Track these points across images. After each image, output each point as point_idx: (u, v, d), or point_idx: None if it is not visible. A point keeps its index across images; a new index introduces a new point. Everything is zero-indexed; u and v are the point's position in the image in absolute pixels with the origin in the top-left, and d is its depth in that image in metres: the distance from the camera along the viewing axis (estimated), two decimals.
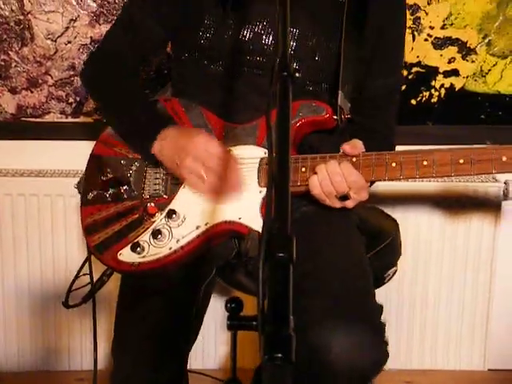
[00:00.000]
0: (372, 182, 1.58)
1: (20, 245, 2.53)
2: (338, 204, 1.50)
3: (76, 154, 2.34)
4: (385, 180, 1.50)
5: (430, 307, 2.57)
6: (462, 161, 1.44)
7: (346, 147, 1.49)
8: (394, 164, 1.47)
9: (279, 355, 0.74)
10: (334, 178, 1.46)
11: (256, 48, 1.59)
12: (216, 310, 2.38)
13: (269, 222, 0.80)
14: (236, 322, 0.99)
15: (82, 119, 2.58)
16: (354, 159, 1.49)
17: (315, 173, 1.49)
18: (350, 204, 1.51)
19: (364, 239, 1.67)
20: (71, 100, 2.56)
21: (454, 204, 2.51)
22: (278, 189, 0.83)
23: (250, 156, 1.55)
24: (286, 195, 0.83)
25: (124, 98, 1.67)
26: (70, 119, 2.59)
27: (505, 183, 2.54)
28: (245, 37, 1.59)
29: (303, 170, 1.50)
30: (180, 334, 1.60)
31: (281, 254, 0.78)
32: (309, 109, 1.55)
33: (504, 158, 1.42)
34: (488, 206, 2.53)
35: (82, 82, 1.80)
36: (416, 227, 2.50)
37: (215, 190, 1.51)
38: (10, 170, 2.56)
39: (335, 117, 1.56)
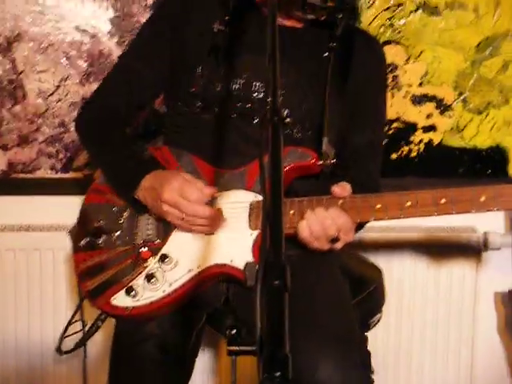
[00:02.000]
0: (361, 225, 1.64)
1: (7, 299, 2.54)
2: (326, 247, 1.56)
3: (66, 208, 2.39)
4: (370, 221, 1.57)
5: (415, 354, 2.60)
6: (443, 201, 1.51)
7: (336, 189, 1.56)
8: (378, 205, 1.53)
9: (278, 374, 0.79)
10: (323, 222, 1.52)
11: (246, 96, 1.67)
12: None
13: (265, 252, 0.86)
14: (236, 347, 1.03)
15: (71, 175, 2.63)
16: (341, 201, 1.55)
17: (303, 218, 1.55)
18: (338, 245, 1.57)
19: (348, 286, 1.72)
20: (61, 156, 2.62)
21: (436, 253, 2.58)
22: (272, 222, 0.89)
23: (240, 200, 1.61)
24: (280, 228, 0.88)
25: (112, 148, 1.74)
26: (59, 175, 2.64)
27: (484, 234, 2.62)
28: (235, 86, 1.67)
29: (291, 213, 1.56)
30: (173, 379, 1.62)
31: (276, 282, 0.83)
32: (295, 155, 1.62)
33: (482, 198, 1.49)
34: (468, 255, 2.60)
35: (76, 129, 1.86)
36: (399, 275, 2.56)
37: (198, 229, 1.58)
38: None
39: (320, 162, 1.63)
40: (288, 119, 1.02)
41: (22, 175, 2.63)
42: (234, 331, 1.12)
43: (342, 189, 1.56)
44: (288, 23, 1.70)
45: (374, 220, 1.56)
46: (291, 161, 1.62)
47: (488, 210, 1.50)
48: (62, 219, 2.58)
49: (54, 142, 2.61)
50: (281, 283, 0.84)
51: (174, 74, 1.75)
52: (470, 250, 2.60)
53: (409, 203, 1.52)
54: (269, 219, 0.90)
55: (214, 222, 1.58)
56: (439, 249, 2.59)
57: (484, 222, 2.62)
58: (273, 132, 0.99)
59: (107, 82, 1.84)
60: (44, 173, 2.64)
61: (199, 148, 1.68)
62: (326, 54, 1.70)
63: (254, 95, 1.68)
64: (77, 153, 2.61)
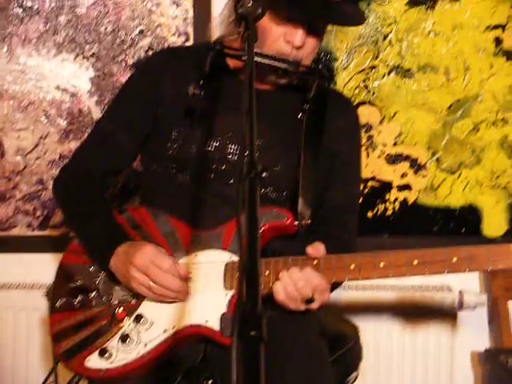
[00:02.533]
0: (336, 285, 1.65)
1: None
2: (302, 307, 1.57)
3: (41, 266, 2.38)
4: (345, 281, 1.58)
5: None
6: (416, 262, 1.53)
7: (310, 249, 1.58)
8: (352, 266, 1.55)
9: None
10: (298, 284, 1.54)
11: (221, 158, 1.70)
12: None
13: (241, 304, 0.87)
14: None
15: (48, 232, 2.63)
16: (315, 262, 1.57)
17: (278, 279, 1.56)
18: (314, 306, 1.58)
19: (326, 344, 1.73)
20: (38, 214, 2.62)
21: (412, 312, 2.59)
22: (248, 275, 0.91)
23: (216, 260, 1.62)
24: (257, 281, 0.90)
25: (87, 217, 1.74)
26: (36, 232, 2.63)
27: (459, 293, 2.63)
28: (211, 147, 1.70)
29: (267, 273, 1.57)
30: None
31: (253, 333, 0.84)
32: (271, 215, 1.64)
33: (454, 259, 1.52)
34: (444, 315, 2.61)
35: (53, 194, 1.87)
36: (376, 335, 2.56)
37: (163, 299, 1.58)
38: None
39: (296, 222, 1.65)
40: (264, 173, 1.03)
41: None
42: (211, 382, 1.12)
43: (315, 250, 1.58)
44: (262, 87, 1.74)
45: (349, 280, 1.58)
46: (267, 221, 1.63)
47: (460, 272, 1.52)
48: (37, 277, 2.56)
49: (31, 199, 2.61)
50: (257, 334, 0.84)
51: (150, 137, 1.78)
52: (446, 309, 2.61)
53: (382, 264, 1.54)
54: (245, 271, 0.91)
55: (182, 294, 1.59)
56: (415, 308, 2.60)
57: (459, 281, 2.64)
58: (249, 186, 1.01)
59: (85, 147, 1.86)
60: (20, 230, 2.63)
61: (176, 208, 1.70)
62: (300, 115, 1.74)
63: (229, 157, 1.70)
64: (54, 210, 2.62)
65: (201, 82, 1.67)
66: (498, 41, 2.56)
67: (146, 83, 1.77)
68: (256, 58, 1.59)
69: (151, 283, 1.56)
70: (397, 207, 2.65)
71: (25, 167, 2.59)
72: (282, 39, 1.63)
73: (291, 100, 1.76)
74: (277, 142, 1.74)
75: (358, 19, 1.78)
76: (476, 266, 1.52)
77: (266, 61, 1.61)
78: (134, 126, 1.78)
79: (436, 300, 2.60)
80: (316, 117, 1.77)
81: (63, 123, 2.58)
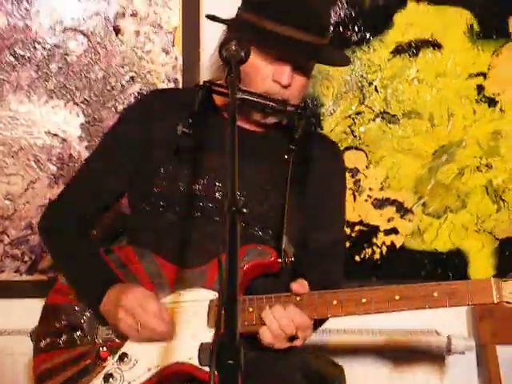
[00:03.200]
0: (320, 322, 1.66)
1: None
2: (286, 345, 1.58)
3: (29, 312, 2.37)
4: (327, 317, 1.60)
5: None
6: (397, 297, 1.55)
7: (294, 285, 1.60)
8: (335, 302, 1.57)
9: None
10: (281, 322, 1.55)
11: (208, 196, 1.72)
12: None
13: (220, 335, 0.89)
14: None
15: (36, 277, 2.62)
16: (298, 298, 1.58)
17: (263, 323, 1.57)
18: (298, 343, 1.59)
19: None
20: (26, 258, 2.62)
21: (400, 357, 2.58)
22: (227, 307, 0.92)
23: (200, 298, 1.63)
24: (235, 313, 0.91)
25: (74, 257, 1.77)
26: (24, 277, 2.63)
27: (448, 337, 2.63)
28: (198, 185, 1.73)
29: (250, 310, 1.59)
30: None
31: (230, 362, 0.85)
32: (255, 252, 1.67)
33: (435, 294, 1.54)
34: (432, 359, 2.61)
35: (39, 232, 1.89)
36: (363, 380, 2.55)
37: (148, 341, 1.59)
38: None
39: (280, 260, 1.67)
40: (245, 210, 1.06)
41: None
42: None
43: (299, 286, 1.60)
44: (249, 127, 1.78)
45: (331, 316, 1.60)
46: (251, 258, 1.65)
47: (441, 307, 1.54)
48: (24, 323, 2.55)
49: (19, 244, 2.62)
50: (234, 363, 0.86)
51: (138, 176, 1.80)
52: (434, 353, 2.62)
53: (364, 300, 1.56)
54: (223, 302, 0.93)
55: (167, 336, 1.60)
56: (402, 353, 2.60)
57: (447, 326, 2.65)
58: (230, 221, 1.03)
59: (71, 186, 1.90)
60: (8, 275, 2.62)
61: (162, 247, 1.72)
62: (286, 156, 1.77)
63: (216, 195, 1.73)
64: (42, 255, 2.62)
65: (190, 121, 1.70)
66: (480, 88, 2.63)
67: (134, 125, 1.80)
68: (244, 96, 1.63)
69: (138, 326, 1.57)
70: (384, 251, 2.66)
71: (14, 212, 2.60)
72: (270, 78, 1.68)
73: (278, 141, 1.80)
74: (263, 182, 1.76)
75: (344, 60, 1.85)
76: (456, 301, 1.54)
77: (254, 98, 1.65)
78: (120, 168, 1.80)
79: (424, 344, 2.60)
80: (302, 158, 1.81)
81: (53, 168, 2.60)
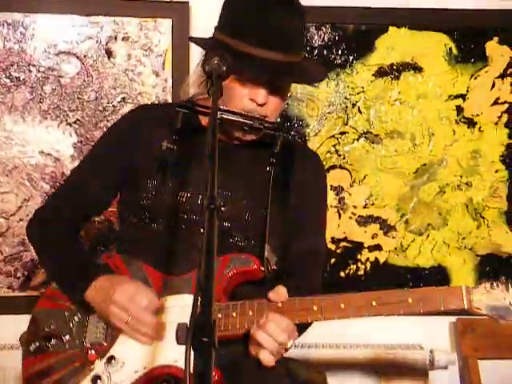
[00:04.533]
0: (303, 327, 1.72)
1: None
2: (283, 354, 1.65)
3: (20, 327, 2.42)
4: (308, 322, 1.66)
5: None
6: (374, 303, 1.62)
7: (271, 295, 1.66)
8: (315, 307, 1.63)
9: None
10: (275, 336, 1.61)
11: (192, 208, 1.79)
12: None
13: (195, 314, 0.96)
14: None
15: (28, 293, 2.68)
16: (280, 304, 1.64)
17: (254, 340, 1.62)
18: (290, 348, 1.65)
19: None
20: (19, 274, 2.68)
21: (384, 371, 2.63)
22: (203, 290, 0.99)
23: (185, 304, 1.69)
24: (211, 293, 0.99)
25: (63, 250, 1.84)
26: (16, 293, 2.68)
27: (430, 352, 2.69)
28: (182, 198, 1.80)
29: (233, 315, 1.65)
30: None
31: (205, 339, 0.92)
32: (238, 261, 1.73)
33: (410, 300, 1.61)
34: (416, 374, 2.66)
35: (27, 235, 1.96)
36: None
37: (138, 336, 1.66)
38: None
39: (262, 268, 1.73)
40: (223, 208, 1.13)
41: None
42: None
43: (275, 295, 1.67)
44: (231, 142, 1.85)
45: (311, 321, 1.66)
46: (234, 267, 1.72)
47: (415, 312, 1.60)
48: (16, 338, 2.59)
49: (12, 260, 2.68)
50: (209, 340, 0.93)
51: (124, 189, 1.88)
52: (417, 368, 2.67)
53: (343, 305, 1.62)
54: (200, 283, 1.01)
55: (156, 332, 1.66)
56: (386, 367, 2.65)
57: (430, 340, 2.71)
58: (208, 218, 1.11)
59: (58, 193, 1.98)
60: (1, 291, 2.68)
61: (149, 256, 1.78)
62: (268, 168, 1.84)
63: (200, 207, 1.80)
64: (34, 272, 2.68)
65: (174, 137, 1.77)
66: (459, 109, 2.73)
67: (120, 139, 1.87)
68: (223, 115, 1.71)
69: (129, 318, 1.64)
70: (368, 267, 2.73)
71: (7, 229, 2.67)
72: (247, 98, 1.74)
73: (259, 154, 1.85)
74: (245, 194, 1.83)
75: (317, 76, 1.92)
76: (429, 307, 1.60)
77: (232, 117, 1.73)
78: (106, 180, 1.87)
79: (408, 359, 2.65)
80: (283, 170, 1.87)
81: (46, 187, 2.67)
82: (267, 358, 1.62)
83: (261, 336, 1.61)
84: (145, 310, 1.65)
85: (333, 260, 2.72)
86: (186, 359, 0.92)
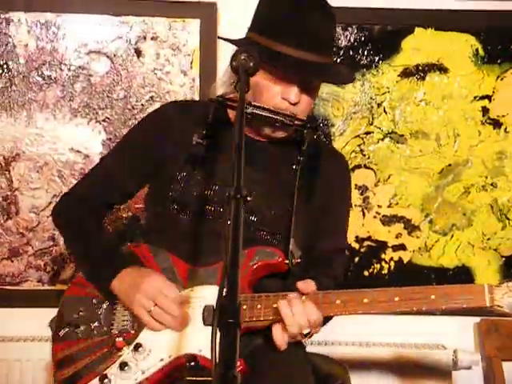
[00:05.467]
0: (326, 320, 1.75)
1: None
2: (298, 339, 1.69)
3: (49, 320, 2.47)
4: (330, 315, 1.69)
5: None
6: (397, 298, 1.64)
7: (300, 284, 1.69)
8: (338, 301, 1.66)
9: None
10: (294, 307, 1.64)
11: (219, 199, 1.83)
12: None
13: (222, 295, 0.99)
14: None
15: (58, 287, 2.74)
16: (304, 297, 1.67)
17: (274, 319, 1.66)
18: (308, 338, 1.69)
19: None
20: (49, 269, 2.74)
21: (406, 371, 2.64)
22: (229, 275, 1.03)
23: (210, 294, 1.72)
24: (236, 277, 1.02)
25: (87, 239, 1.88)
26: (46, 287, 2.74)
27: (454, 352, 2.69)
28: (210, 190, 1.84)
29: (258, 306, 1.68)
30: None
31: (231, 320, 0.95)
32: (263, 253, 1.76)
33: (433, 297, 1.62)
34: (439, 374, 2.66)
35: (52, 217, 2.00)
36: None
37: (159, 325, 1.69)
38: None
39: (287, 261, 1.76)
40: (249, 198, 1.17)
41: (8, 287, 2.74)
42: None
43: (306, 285, 1.69)
44: (259, 138, 1.89)
45: (335, 315, 1.68)
46: (259, 259, 1.75)
47: (438, 308, 1.62)
48: (46, 331, 2.65)
49: (42, 255, 2.74)
50: (234, 321, 0.96)
51: (153, 180, 1.93)
52: (440, 368, 2.67)
53: (366, 300, 1.64)
54: (226, 268, 1.04)
55: (181, 323, 1.70)
56: (409, 367, 2.65)
57: (453, 340, 2.71)
58: (235, 207, 1.15)
59: (87, 179, 2.03)
60: (31, 285, 2.74)
61: (176, 246, 1.82)
62: (295, 166, 1.88)
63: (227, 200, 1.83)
64: (63, 266, 2.74)
65: (204, 132, 1.82)
66: (484, 110, 2.73)
67: (151, 131, 1.92)
68: (255, 110, 1.75)
69: (152, 308, 1.68)
70: (392, 266, 2.75)
71: (37, 224, 2.73)
72: (279, 96, 1.79)
73: (286, 151, 1.90)
74: (272, 190, 1.87)
75: (348, 78, 1.97)
76: (452, 304, 1.62)
77: (264, 112, 1.77)
78: (134, 170, 1.92)
79: (430, 359, 2.66)
80: (309, 168, 1.91)
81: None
82: (279, 334, 1.65)
83: (285, 309, 1.64)
84: (173, 302, 1.69)
85: (357, 259, 2.74)
86: (212, 338, 0.96)
